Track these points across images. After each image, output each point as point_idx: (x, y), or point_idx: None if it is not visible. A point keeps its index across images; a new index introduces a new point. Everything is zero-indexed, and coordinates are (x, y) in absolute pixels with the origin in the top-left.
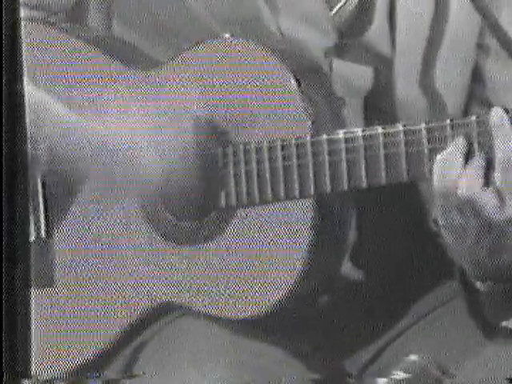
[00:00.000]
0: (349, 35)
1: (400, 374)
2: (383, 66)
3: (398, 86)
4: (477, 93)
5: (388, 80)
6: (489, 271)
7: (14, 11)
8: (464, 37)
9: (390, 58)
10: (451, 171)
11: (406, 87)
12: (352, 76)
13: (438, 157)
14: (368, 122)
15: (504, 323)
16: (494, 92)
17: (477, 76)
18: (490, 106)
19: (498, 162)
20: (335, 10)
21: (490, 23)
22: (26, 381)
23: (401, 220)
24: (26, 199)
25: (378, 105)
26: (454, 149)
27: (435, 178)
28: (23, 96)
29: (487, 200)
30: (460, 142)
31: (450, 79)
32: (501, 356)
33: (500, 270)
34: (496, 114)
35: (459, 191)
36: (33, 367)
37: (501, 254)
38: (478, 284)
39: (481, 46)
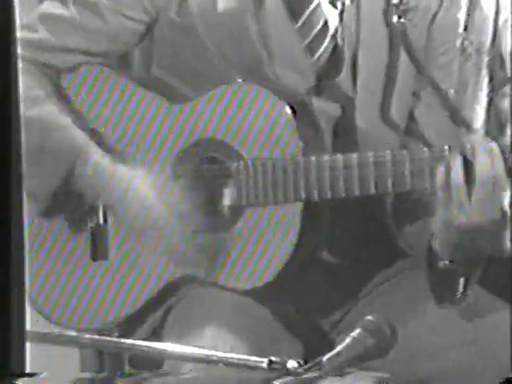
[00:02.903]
0: (324, 79)
1: (357, 330)
2: (347, 103)
3: (358, 118)
4: (412, 128)
5: (350, 113)
6: (455, 254)
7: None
8: (407, 84)
9: (352, 98)
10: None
11: (365, 118)
12: (325, 109)
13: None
14: (334, 141)
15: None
16: (425, 126)
17: (411, 116)
18: (423, 139)
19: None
20: (315, 58)
21: (426, 79)
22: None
23: (364, 220)
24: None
25: (343, 130)
26: (455, 162)
27: (438, 181)
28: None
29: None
30: (458, 159)
31: (398, 114)
32: (447, 319)
33: (466, 252)
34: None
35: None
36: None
37: (474, 241)
38: (441, 263)
39: (414, 94)
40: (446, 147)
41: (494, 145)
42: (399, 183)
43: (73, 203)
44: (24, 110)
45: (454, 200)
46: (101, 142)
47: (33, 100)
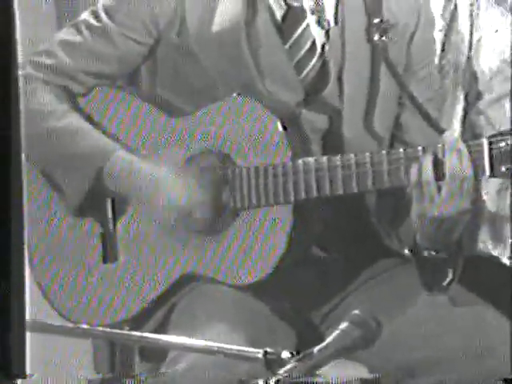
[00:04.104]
0: (312, 93)
1: (345, 324)
2: (335, 115)
3: (344, 128)
4: (398, 134)
5: (338, 124)
6: (435, 243)
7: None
8: (389, 97)
9: (339, 109)
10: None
11: (351, 129)
12: (314, 121)
13: (413, 167)
14: (324, 150)
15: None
16: (408, 134)
17: (397, 123)
18: (406, 144)
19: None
20: (303, 75)
21: (406, 92)
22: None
23: (351, 219)
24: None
25: (331, 140)
26: (425, 161)
27: (411, 178)
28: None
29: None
30: (429, 157)
31: (382, 124)
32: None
33: (442, 243)
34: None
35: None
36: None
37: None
38: (426, 253)
39: (399, 104)
40: (420, 148)
41: (462, 145)
42: (378, 181)
43: (100, 203)
44: (46, 123)
45: (425, 195)
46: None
47: (52, 113)
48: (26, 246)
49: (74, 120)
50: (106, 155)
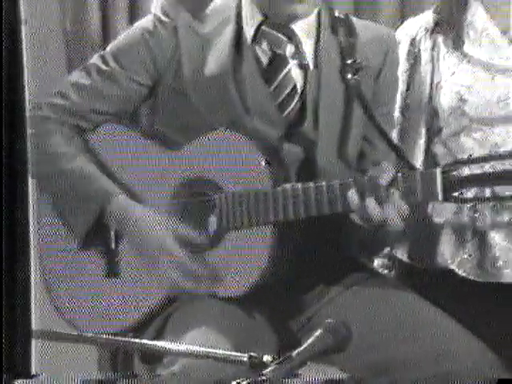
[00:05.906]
0: (292, 128)
1: (319, 331)
2: (311, 146)
3: (319, 157)
4: (368, 154)
5: (313, 154)
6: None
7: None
8: (361, 128)
9: (315, 141)
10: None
11: (325, 157)
12: (293, 153)
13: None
14: (299, 177)
15: None
16: (375, 156)
17: (365, 147)
18: (377, 164)
19: None
20: (285, 114)
21: (374, 122)
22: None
23: (325, 239)
24: (26, 196)
25: (307, 168)
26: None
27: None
28: (24, 97)
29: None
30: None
31: (354, 151)
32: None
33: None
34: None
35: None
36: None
37: None
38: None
39: (366, 139)
40: (351, 179)
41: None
42: (347, 204)
43: (102, 236)
44: (58, 165)
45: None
46: (122, 185)
47: (63, 155)
48: (32, 261)
49: (82, 163)
50: (108, 198)
